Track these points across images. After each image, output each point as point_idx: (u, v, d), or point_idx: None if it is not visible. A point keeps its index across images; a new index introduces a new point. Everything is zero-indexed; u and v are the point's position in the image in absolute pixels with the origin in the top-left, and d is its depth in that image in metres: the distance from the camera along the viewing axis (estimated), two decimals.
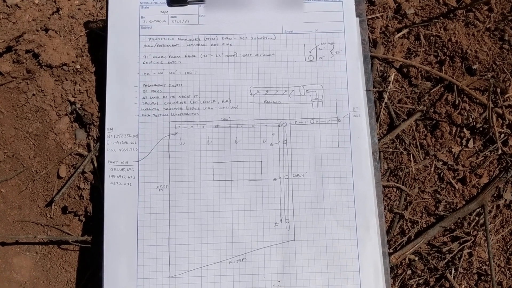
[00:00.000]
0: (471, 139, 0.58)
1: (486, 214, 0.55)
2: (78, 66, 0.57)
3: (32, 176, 0.57)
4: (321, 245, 0.53)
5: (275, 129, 0.55)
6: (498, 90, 0.58)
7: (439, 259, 0.56)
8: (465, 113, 0.58)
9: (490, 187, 0.56)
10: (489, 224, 0.55)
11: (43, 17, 0.59)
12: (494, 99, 0.58)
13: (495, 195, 0.57)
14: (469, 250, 0.56)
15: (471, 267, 0.56)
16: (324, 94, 0.56)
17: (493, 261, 0.56)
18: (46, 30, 0.57)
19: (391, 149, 0.57)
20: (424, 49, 0.60)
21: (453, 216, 0.56)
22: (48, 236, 0.56)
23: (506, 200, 0.57)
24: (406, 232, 0.56)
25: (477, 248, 0.56)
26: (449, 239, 0.56)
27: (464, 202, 0.57)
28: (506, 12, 0.61)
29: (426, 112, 0.58)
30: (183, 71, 0.56)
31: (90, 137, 0.57)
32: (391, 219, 0.57)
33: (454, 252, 0.56)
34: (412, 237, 0.56)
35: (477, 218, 0.56)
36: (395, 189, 0.57)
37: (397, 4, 0.61)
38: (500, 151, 0.57)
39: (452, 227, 0.56)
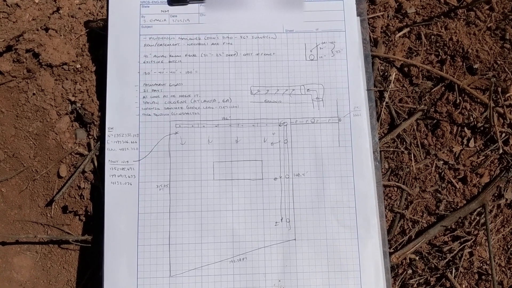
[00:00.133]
0: (472, 139, 0.58)
1: (487, 214, 0.55)
2: (78, 66, 0.57)
3: (33, 175, 0.57)
4: (321, 245, 0.53)
5: (275, 129, 0.55)
6: (499, 89, 0.58)
7: (440, 258, 0.56)
8: (466, 113, 0.58)
9: (491, 187, 0.56)
10: (490, 224, 0.55)
11: (43, 17, 0.58)
12: (495, 99, 0.58)
13: (496, 194, 0.57)
14: (469, 250, 0.56)
15: (472, 266, 0.56)
16: (324, 93, 0.56)
17: (494, 261, 0.56)
18: (46, 29, 0.57)
19: (392, 149, 0.57)
20: (425, 48, 0.60)
21: (454, 216, 0.56)
22: (49, 235, 0.56)
23: (507, 199, 0.57)
24: (407, 231, 0.56)
25: (477, 247, 0.56)
26: (449, 239, 0.56)
27: (465, 202, 0.57)
28: (507, 11, 0.61)
29: (427, 111, 0.58)
30: (183, 70, 0.56)
31: (90, 137, 0.57)
32: (391, 219, 0.56)
33: (455, 252, 0.55)
34: (413, 237, 0.56)
35: (478, 218, 0.56)
36: (395, 189, 0.57)
37: (398, 3, 0.61)
38: (501, 151, 0.57)
39: (453, 226, 0.56)
